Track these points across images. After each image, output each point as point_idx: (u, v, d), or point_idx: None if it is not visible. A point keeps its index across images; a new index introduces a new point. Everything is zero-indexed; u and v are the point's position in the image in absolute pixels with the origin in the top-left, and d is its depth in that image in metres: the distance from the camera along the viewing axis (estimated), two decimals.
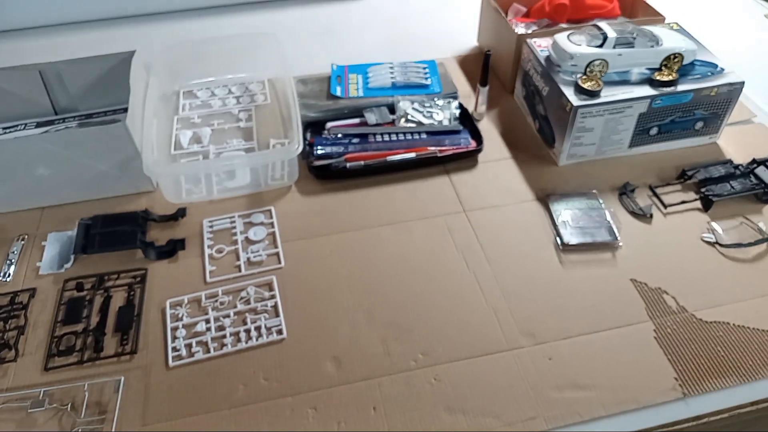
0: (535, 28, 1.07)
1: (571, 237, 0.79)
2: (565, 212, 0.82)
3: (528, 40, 0.95)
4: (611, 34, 0.86)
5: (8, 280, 0.77)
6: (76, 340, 0.70)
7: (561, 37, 0.89)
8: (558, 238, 0.80)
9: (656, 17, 1.02)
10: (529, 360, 0.68)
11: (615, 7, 1.08)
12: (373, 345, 0.69)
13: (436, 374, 0.66)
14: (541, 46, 0.94)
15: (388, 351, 0.69)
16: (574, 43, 0.87)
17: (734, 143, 0.95)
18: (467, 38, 1.18)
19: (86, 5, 1.23)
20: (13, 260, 0.79)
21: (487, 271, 0.77)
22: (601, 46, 0.86)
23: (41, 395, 0.65)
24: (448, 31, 1.21)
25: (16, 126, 0.93)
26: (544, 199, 0.85)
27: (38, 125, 0.93)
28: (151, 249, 0.79)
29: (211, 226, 0.83)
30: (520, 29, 1.06)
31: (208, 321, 0.72)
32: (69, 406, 0.64)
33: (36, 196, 0.84)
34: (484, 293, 0.74)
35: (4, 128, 0.93)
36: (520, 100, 1.02)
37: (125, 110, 0.83)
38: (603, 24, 0.88)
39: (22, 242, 0.81)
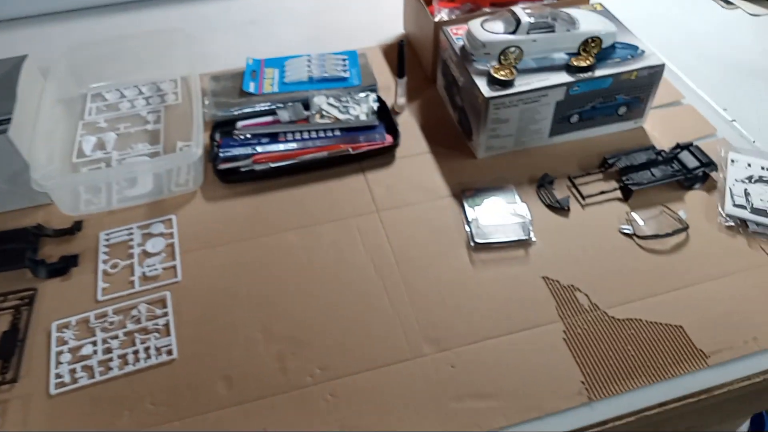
0: (458, 12, 1.03)
1: (482, 235, 0.76)
2: (479, 208, 0.79)
3: (444, 28, 0.91)
4: (525, 19, 0.82)
5: None
6: None
7: (474, 24, 0.85)
8: (469, 237, 0.76)
9: None
10: (432, 369, 0.64)
11: None
12: (269, 361, 0.65)
13: (332, 390, 0.63)
14: (458, 33, 0.89)
15: (284, 367, 0.65)
16: (488, 30, 0.83)
17: (661, 127, 0.91)
18: (393, 26, 1.14)
19: None
20: None
21: (396, 274, 0.73)
22: (514, 32, 0.82)
23: None
24: (374, 19, 1.16)
25: None
26: (460, 195, 0.82)
27: None
28: (41, 267, 0.74)
29: (107, 240, 0.78)
30: (443, 15, 1.02)
31: (95, 343, 0.67)
32: None
33: None
34: (390, 299, 0.71)
35: None
36: (442, 90, 0.97)
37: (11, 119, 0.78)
38: (517, 9, 0.84)
39: None
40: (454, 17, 1.02)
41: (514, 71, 0.82)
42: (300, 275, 0.74)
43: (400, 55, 0.90)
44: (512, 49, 0.83)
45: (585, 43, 0.84)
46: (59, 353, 0.67)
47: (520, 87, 0.81)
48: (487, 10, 1.02)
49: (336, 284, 0.73)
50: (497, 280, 0.72)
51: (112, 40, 1.03)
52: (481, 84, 0.81)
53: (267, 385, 0.63)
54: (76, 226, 0.79)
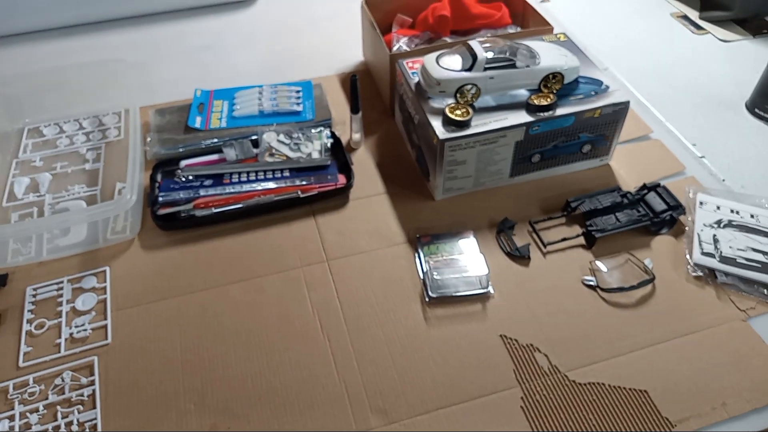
0: (418, 41, 0.98)
1: (436, 288, 0.71)
2: (434, 257, 0.74)
3: (400, 61, 0.86)
4: (481, 54, 0.77)
5: None
6: None
7: (429, 60, 0.80)
8: (424, 289, 0.72)
9: (545, 27, 0.94)
10: None
11: (504, 15, 1.00)
12: None
13: None
14: (414, 67, 0.85)
15: None
16: (443, 67, 0.79)
17: (628, 164, 0.88)
18: (354, 53, 1.09)
19: None
20: None
21: (343, 334, 0.68)
22: (470, 68, 0.78)
23: None
24: (334, 46, 1.11)
25: None
26: (416, 241, 0.77)
27: None
28: None
29: (34, 295, 0.72)
30: (402, 44, 0.97)
31: (12, 418, 0.62)
32: None
33: None
34: (336, 363, 0.66)
35: None
36: (400, 125, 0.93)
37: None
38: (474, 43, 0.79)
39: None
40: (413, 47, 0.97)
41: (470, 110, 0.77)
42: (241, 335, 0.68)
43: (354, 91, 0.85)
44: (469, 86, 0.78)
45: (546, 78, 0.80)
46: None
47: (477, 128, 0.76)
48: (448, 39, 0.98)
49: (279, 345, 0.67)
50: (452, 340, 0.67)
51: (52, 70, 0.97)
52: (436, 124, 0.77)
53: None
54: (1, 280, 0.73)
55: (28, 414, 0.62)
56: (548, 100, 0.78)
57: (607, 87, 0.82)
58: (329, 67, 1.06)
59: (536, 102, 0.78)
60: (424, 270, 0.73)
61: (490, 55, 0.78)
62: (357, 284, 0.73)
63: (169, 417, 0.62)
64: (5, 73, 0.93)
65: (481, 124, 0.76)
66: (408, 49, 0.94)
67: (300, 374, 0.65)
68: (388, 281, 0.73)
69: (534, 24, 0.98)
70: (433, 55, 0.81)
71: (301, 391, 0.64)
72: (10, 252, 0.76)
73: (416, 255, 0.76)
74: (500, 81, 0.79)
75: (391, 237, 0.78)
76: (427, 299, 0.71)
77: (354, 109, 0.87)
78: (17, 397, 0.63)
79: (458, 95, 0.79)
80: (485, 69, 0.78)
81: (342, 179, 0.83)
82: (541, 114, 0.78)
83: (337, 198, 0.83)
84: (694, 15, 1.22)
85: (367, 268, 0.75)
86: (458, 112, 0.77)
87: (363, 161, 0.88)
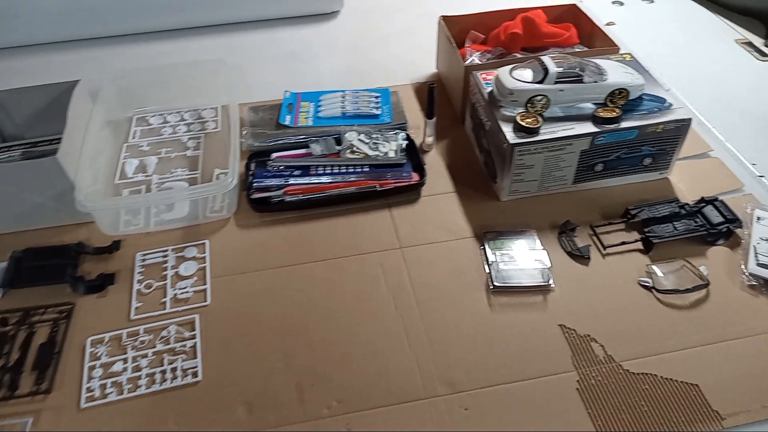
0: (490, 56, 1.06)
1: (501, 278, 0.78)
2: (499, 252, 0.81)
3: (474, 72, 0.93)
4: (552, 69, 0.84)
5: None
6: None
7: (503, 72, 0.87)
8: (489, 279, 0.78)
9: (612, 47, 1.00)
10: (445, 410, 0.66)
11: (572, 35, 1.06)
12: (288, 391, 0.68)
13: (348, 422, 0.65)
14: (487, 78, 0.92)
15: (302, 398, 0.67)
16: (516, 78, 0.86)
17: (687, 179, 0.92)
18: (427, 65, 1.17)
19: (39, 29, 1.23)
20: None
21: (415, 313, 0.75)
22: (542, 81, 0.85)
23: None
24: (409, 58, 1.20)
25: None
26: (482, 236, 0.84)
27: None
28: (80, 283, 0.78)
29: (143, 260, 0.82)
30: (475, 58, 1.05)
31: (125, 361, 0.71)
32: None
33: None
34: (408, 337, 0.73)
35: None
36: (470, 132, 1.00)
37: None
38: (546, 58, 0.86)
39: None
40: (485, 61, 1.05)
41: (540, 119, 0.84)
42: (322, 307, 0.76)
43: (430, 98, 0.93)
44: (539, 97, 0.85)
45: (612, 94, 0.86)
46: (91, 368, 0.70)
47: (546, 135, 0.83)
48: (518, 55, 1.05)
49: (356, 318, 0.75)
50: (514, 326, 0.74)
51: (159, 67, 1.09)
52: (507, 130, 0.84)
53: (285, 415, 0.66)
54: (115, 246, 0.84)
55: (139, 358, 0.71)
56: (614, 113, 0.84)
57: (670, 105, 0.87)
58: (404, 77, 1.15)
59: (602, 115, 0.84)
60: (490, 262, 0.80)
61: (560, 69, 0.85)
62: (427, 271, 0.80)
63: (260, 372, 0.70)
64: (121, 67, 1.05)
65: (549, 132, 0.83)
66: (481, 63, 1.02)
67: (375, 344, 0.72)
68: (455, 270, 0.80)
69: (600, 44, 1.04)
70: (507, 67, 0.89)
71: (376, 358, 0.71)
72: (123, 222, 0.87)
73: (482, 248, 0.82)
74: (569, 94, 0.85)
75: (458, 231, 0.85)
76: (491, 287, 0.77)
77: (429, 115, 0.95)
78: (129, 343, 0.73)
79: (528, 105, 0.85)
80: (555, 82, 0.85)
81: (416, 177, 0.91)
82: (607, 126, 0.84)
83: (411, 193, 0.91)
84: (758, 42, 1.25)
85: (436, 257, 0.82)
86: (528, 120, 0.83)
87: (434, 162, 0.96)
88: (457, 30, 1.08)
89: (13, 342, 0.73)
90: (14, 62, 1.22)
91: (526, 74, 0.87)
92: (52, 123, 0.96)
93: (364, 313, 0.76)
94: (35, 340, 0.74)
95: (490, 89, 0.90)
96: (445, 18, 1.07)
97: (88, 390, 0.68)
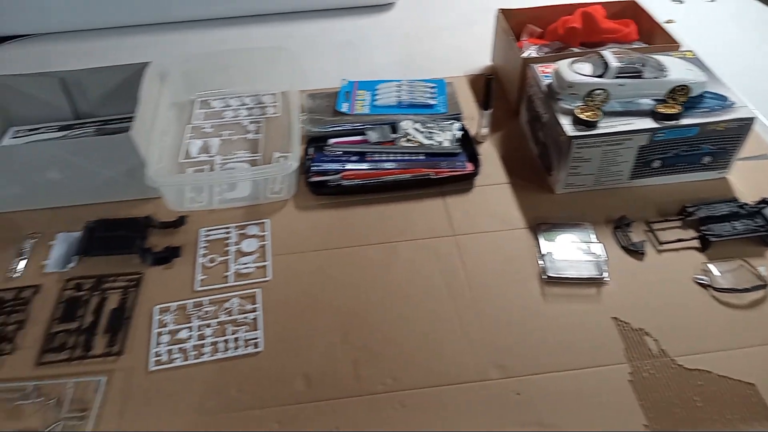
0: (547, 50, 1.06)
1: (555, 269, 0.78)
2: (553, 243, 0.82)
3: (532, 65, 0.94)
4: (613, 63, 0.84)
5: (16, 276, 0.82)
6: (68, 338, 0.74)
7: (563, 65, 0.88)
8: (543, 270, 0.79)
9: (672, 44, 0.99)
10: (497, 393, 0.67)
11: (631, 31, 1.06)
12: (345, 366, 0.70)
13: (402, 400, 0.67)
14: (545, 71, 0.93)
15: (358, 373, 0.70)
16: (576, 71, 0.86)
17: (747, 179, 0.91)
18: (482, 57, 1.18)
19: (110, 13, 1.29)
20: (23, 257, 0.84)
21: (467, 298, 0.77)
22: (602, 75, 0.85)
23: (31, 389, 0.69)
24: (465, 49, 1.21)
25: (39, 129, 0.99)
26: (535, 228, 0.85)
27: (60, 129, 0.99)
28: (148, 255, 0.82)
29: (206, 236, 0.86)
30: (532, 51, 1.05)
31: (191, 329, 0.75)
32: (54, 401, 0.68)
33: (48, 198, 0.90)
34: (461, 321, 0.74)
35: (29, 130, 0.99)
36: (524, 124, 1.01)
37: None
38: (606, 53, 0.86)
39: (34, 240, 0.86)
40: (542, 54, 1.05)
41: (599, 113, 0.84)
42: (377, 288, 0.79)
43: (488, 89, 0.94)
44: (598, 91, 0.85)
45: (673, 90, 0.85)
46: (159, 334, 0.74)
47: (604, 129, 0.83)
48: (576, 50, 1.05)
49: (410, 301, 0.77)
50: (567, 316, 0.74)
51: (222, 52, 1.13)
52: (565, 123, 0.84)
53: (342, 388, 0.68)
54: (180, 221, 0.88)
55: (203, 327, 0.75)
56: (675, 109, 0.84)
57: (732, 103, 0.86)
58: (458, 68, 1.16)
59: (663, 111, 0.84)
60: (544, 253, 0.81)
61: (621, 64, 0.85)
62: (480, 258, 0.82)
63: (318, 346, 0.73)
64: (186, 51, 1.09)
65: (608, 126, 0.83)
66: (538, 56, 1.02)
67: (428, 326, 0.74)
68: (508, 259, 0.81)
69: (660, 41, 1.03)
70: (567, 60, 0.89)
71: (429, 340, 0.73)
72: (187, 199, 0.91)
73: (536, 239, 0.83)
74: (629, 89, 0.85)
75: (512, 221, 0.86)
76: (545, 278, 0.78)
77: (485, 106, 0.96)
78: (194, 313, 0.77)
79: (587, 99, 0.86)
80: (616, 77, 0.85)
81: (470, 167, 0.92)
82: (667, 122, 0.83)
83: (464, 183, 0.92)
84: None
85: (489, 246, 0.83)
86: (588, 113, 0.84)
87: (488, 153, 0.97)
88: (514, 23, 1.09)
89: (87, 306, 0.78)
90: (90, 44, 1.28)
91: (586, 68, 0.87)
92: (122, 102, 1.01)
93: (418, 296, 0.78)
94: (107, 305, 0.78)
95: (548, 82, 0.91)
96: (503, 11, 1.08)
97: (156, 354, 0.72)
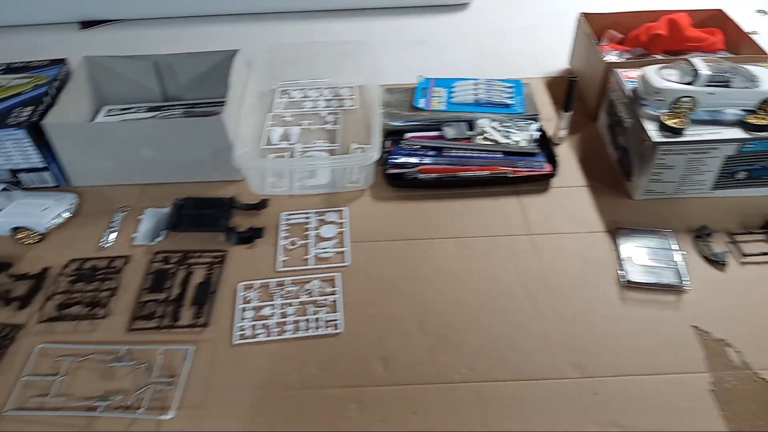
0: (628, 56, 1.05)
1: (635, 274, 0.78)
2: (633, 248, 0.81)
3: (615, 70, 0.94)
4: (704, 71, 0.83)
5: (107, 246, 0.86)
6: (157, 308, 0.78)
7: (650, 70, 0.87)
8: (622, 274, 0.79)
9: (760, 55, 0.97)
10: (574, 392, 0.68)
11: (717, 40, 1.04)
12: (421, 352, 0.72)
13: (479, 390, 0.68)
14: (629, 76, 0.92)
15: (435, 360, 0.71)
16: (663, 78, 0.86)
17: None
18: (558, 60, 1.18)
19: (200, 2, 1.34)
20: (114, 228, 0.89)
21: (543, 297, 0.77)
22: (691, 83, 0.84)
23: (123, 353, 0.73)
24: (540, 51, 1.21)
25: (131, 108, 1.04)
26: (613, 232, 0.84)
27: (149, 110, 1.04)
28: (232, 234, 0.86)
29: (287, 220, 0.89)
30: (612, 57, 1.05)
31: (273, 307, 0.77)
32: (145, 366, 0.72)
33: (138, 174, 0.94)
34: (537, 318, 0.75)
35: (121, 109, 1.04)
36: (603, 128, 1.00)
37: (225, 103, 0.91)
38: (696, 60, 0.86)
39: (124, 213, 0.91)
40: (623, 60, 1.04)
41: (685, 120, 0.83)
42: (452, 281, 0.80)
43: (570, 91, 0.94)
44: (686, 99, 0.84)
45: (765, 102, 0.84)
46: (243, 310, 0.77)
47: (691, 136, 0.82)
48: (659, 56, 1.04)
49: (485, 295, 0.78)
50: (646, 321, 0.74)
51: (304, 44, 1.16)
52: (651, 128, 0.84)
53: (419, 374, 0.70)
54: (262, 204, 0.91)
55: (285, 306, 0.77)
56: (765, 121, 0.82)
57: None
58: (533, 70, 1.17)
59: (753, 121, 0.82)
60: (623, 257, 0.80)
61: (710, 72, 0.84)
62: (557, 259, 0.82)
63: (396, 331, 0.74)
64: (267, 42, 1.13)
65: (695, 134, 0.82)
66: (621, 61, 1.02)
67: (504, 320, 0.75)
68: (586, 261, 0.81)
69: (747, 51, 1.01)
70: (654, 66, 0.88)
71: (504, 334, 0.74)
72: (268, 183, 0.94)
73: (615, 243, 0.83)
74: (718, 98, 0.84)
75: (589, 224, 0.86)
76: (623, 282, 0.78)
77: (566, 108, 0.96)
78: (276, 292, 0.79)
79: (673, 105, 0.85)
80: (705, 85, 0.84)
81: (548, 167, 0.92)
82: (758, 133, 0.82)
83: (541, 183, 0.92)
84: None
85: (566, 247, 0.83)
86: (674, 120, 0.83)
87: (565, 155, 0.97)
88: (595, 28, 1.08)
89: (174, 279, 0.82)
90: (174, 30, 1.34)
91: (674, 75, 0.87)
92: (208, 87, 1.05)
93: (494, 291, 0.78)
94: (193, 279, 0.81)
95: (633, 87, 0.90)
96: (585, 15, 1.08)
97: (240, 329, 0.75)
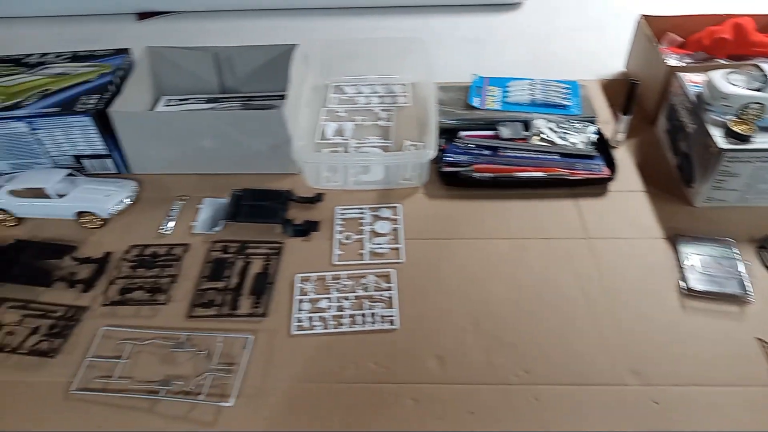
0: (689, 60, 1.03)
1: (697, 283, 0.77)
2: (694, 256, 0.80)
3: (679, 74, 0.92)
4: None
5: (168, 233, 0.88)
6: (216, 296, 0.80)
7: (716, 75, 0.85)
8: (683, 282, 0.77)
9: None
10: (634, 399, 0.67)
11: None
12: (477, 352, 0.72)
13: (536, 393, 0.68)
14: (693, 81, 0.90)
15: (491, 361, 0.71)
16: (731, 83, 0.84)
17: None
18: (614, 62, 1.16)
19: None
20: (173, 217, 0.91)
21: (602, 302, 0.77)
22: (760, 89, 0.82)
23: (184, 339, 0.75)
24: (595, 53, 1.20)
25: (188, 99, 1.06)
26: (673, 239, 0.83)
27: (207, 101, 1.06)
28: (289, 226, 0.87)
29: (342, 214, 0.90)
30: (673, 60, 1.03)
31: (330, 300, 0.78)
32: (205, 353, 0.73)
33: (197, 164, 0.96)
34: (595, 323, 0.74)
35: (180, 100, 1.06)
36: (662, 133, 0.98)
37: (281, 97, 0.92)
38: (767, 66, 0.83)
39: (183, 202, 0.93)
40: (683, 64, 1.02)
41: (753, 127, 0.81)
42: (507, 282, 0.80)
43: (631, 94, 0.93)
44: (755, 105, 0.82)
45: None
46: (300, 301, 0.78)
47: (760, 144, 0.80)
48: (722, 61, 1.02)
49: (541, 298, 0.78)
50: (708, 330, 0.73)
51: (359, 40, 1.17)
52: (716, 135, 0.82)
53: (475, 374, 0.70)
54: (318, 197, 0.92)
55: (342, 299, 0.78)
56: None
57: None
58: (587, 72, 1.15)
59: None
60: (684, 265, 0.79)
61: None
62: (615, 263, 0.81)
63: (451, 330, 0.74)
64: (325, 37, 1.14)
65: (764, 142, 0.80)
66: (683, 65, 1.00)
67: (561, 324, 0.74)
68: (645, 267, 0.80)
69: None
70: (721, 71, 0.86)
71: (562, 338, 0.73)
72: (323, 178, 0.95)
73: (675, 250, 0.81)
74: None
75: (648, 230, 0.85)
76: (684, 290, 0.77)
77: (625, 111, 0.94)
78: (333, 285, 0.80)
79: (740, 112, 0.83)
80: None
81: (606, 171, 0.91)
82: None
83: (599, 186, 0.91)
84: None
85: (625, 252, 0.82)
86: (741, 126, 0.81)
87: (622, 159, 0.96)
88: (654, 30, 1.06)
89: (233, 268, 0.83)
90: (235, 23, 1.36)
91: (742, 80, 0.85)
92: (265, 80, 1.06)
93: (550, 294, 0.78)
94: (251, 269, 0.83)
95: (697, 92, 0.88)
96: (646, 17, 1.06)
97: (298, 320, 0.76)
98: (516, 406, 0.67)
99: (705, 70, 0.90)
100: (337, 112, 1.07)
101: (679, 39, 1.08)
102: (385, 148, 1.00)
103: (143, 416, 0.67)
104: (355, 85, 1.13)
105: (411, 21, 1.33)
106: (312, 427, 0.66)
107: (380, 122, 1.05)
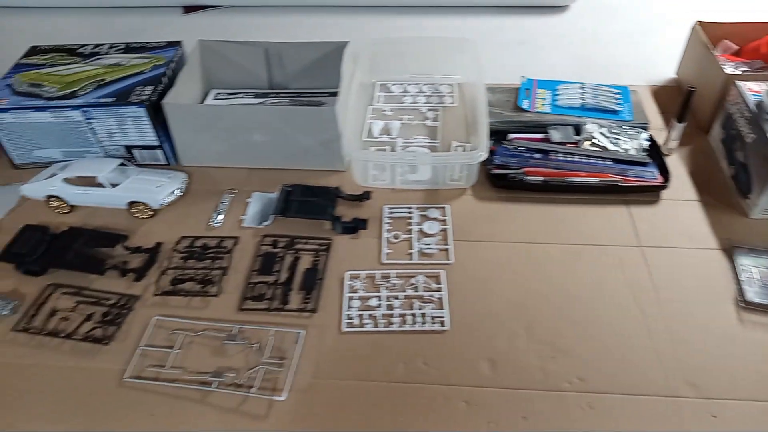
0: (745, 68, 1.01)
1: (756, 296, 0.75)
2: (753, 268, 0.78)
3: (738, 82, 0.90)
4: None
5: (218, 225, 0.89)
6: (266, 290, 0.80)
7: None
8: (740, 295, 0.76)
9: None
10: (690, 412, 0.66)
11: None
12: (529, 358, 0.71)
13: (590, 401, 0.67)
14: (753, 90, 0.88)
15: (544, 367, 0.70)
16: None
17: None
18: (665, 68, 1.14)
19: None
20: (222, 210, 0.92)
21: (656, 312, 0.75)
22: None
23: (235, 331, 0.75)
24: (646, 59, 1.18)
25: (238, 93, 1.07)
26: (730, 250, 0.81)
27: (256, 96, 1.06)
28: (338, 223, 0.87)
29: (390, 213, 0.90)
30: (728, 68, 1.01)
31: (379, 298, 0.78)
32: (257, 346, 0.74)
33: (247, 158, 0.97)
34: (649, 333, 0.73)
35: (229, 93, 1.07)
36: (717, 142, 0.97)
37: (330, 94, 0.92)
38: None
39: (232, 195, 0.94)
40: (739, 72, 1.00)
41: None
42: (560, 288, 0.79)
43: (687, 101, 0.91)
44: None
45: None
46: (350, 298, 0.78)
47: None
48: None
49: (594, 306, 0.77)
50: (767, 345, 0.71)
51: (406, 39, 1.17)
52: None
53: (527, 379, 0.69)
54: (366, 195, 0.92)
55: (391, 298, 0.78)
56: None
57: None
58: (638, 77, 1.13)
59: None
60: (741, 278, 0.78)
61: None
62: (669, 273, 0.80)
63: (503, 333, 0.74)
64: (368, 35, 1.13)
65: None
66: (742, 73, 0.98)
67: (614, 333, 0.73)
68: (700, 278, 0.79)
69: None
70: None
71: (615, 346, 0.72)
72: (371, 176, 0.95)
73: (731, 262, 0.80)
74: None
75: (702, 240, 0.84)
76: (741, 303, 0.75)
77: (680, 118, 0.93)
78: (382, 284, 0.80)
79: None
80: None
81: (659, 178, 0.90)
82: None
83: (651, 194, 0.90)
84: None
85: (679, 262, 0.81)
86: None
87: (675, 167, 0.94)
88: (709, 37, 1.04)
89: (282, 263, 0.84)
90: (280, 19, 1.37)
91: None
92: (313, 77, 1.07)
93: (603, 301, 0.77)
94: (300, 264, 0.83)
95: (757, 101, 0.86)
96: (701, 23, 1.04)
97: (348, 317, 0.76)
98: (570, 413, 0.66)
99: (766, 79, 0.88)
100: (384, 110, 1.07)
101: (735, 47, 1.06)
102: (432, 148, 0.99)
103: (195, 407, 0.68)
104: (402, 84, 1.12)
105: (455, 21, 1.32)
106: (363, 426, 0.66)
107: (427, 122, 1.04)
